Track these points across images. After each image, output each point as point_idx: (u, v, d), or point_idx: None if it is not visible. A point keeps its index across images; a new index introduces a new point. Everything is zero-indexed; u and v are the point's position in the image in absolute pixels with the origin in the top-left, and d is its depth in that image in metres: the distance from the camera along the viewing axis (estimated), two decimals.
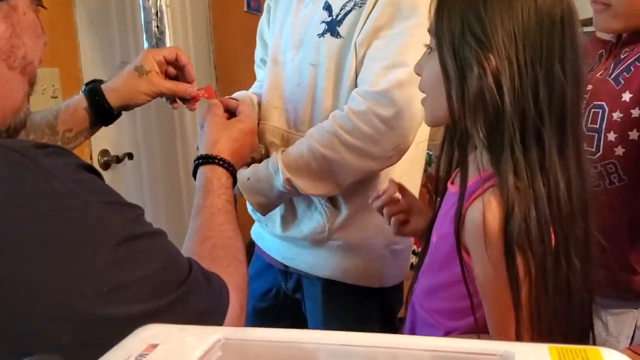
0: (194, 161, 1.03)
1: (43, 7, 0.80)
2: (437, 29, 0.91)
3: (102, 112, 1.12)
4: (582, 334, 0.94)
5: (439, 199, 1.06)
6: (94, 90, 1.12)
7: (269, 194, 1.33)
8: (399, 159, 1.30)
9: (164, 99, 1.20)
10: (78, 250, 0.62)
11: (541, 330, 0.86)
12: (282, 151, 1.32)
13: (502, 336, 0.87)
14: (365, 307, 1.44)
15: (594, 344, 1.00)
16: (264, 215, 1.39)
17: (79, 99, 1.12)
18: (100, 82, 1.16)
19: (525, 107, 0.84)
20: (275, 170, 1.29)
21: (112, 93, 1.12)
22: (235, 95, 1.47)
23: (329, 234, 1.38)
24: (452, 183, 1.03)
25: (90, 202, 0.65)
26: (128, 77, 1.13)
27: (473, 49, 0.85)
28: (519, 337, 0.85)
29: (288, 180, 1.28)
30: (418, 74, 1.00)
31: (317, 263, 1.42)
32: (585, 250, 0.90)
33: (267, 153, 1.38)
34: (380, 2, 1.25)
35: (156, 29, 2.66)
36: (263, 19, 1.56)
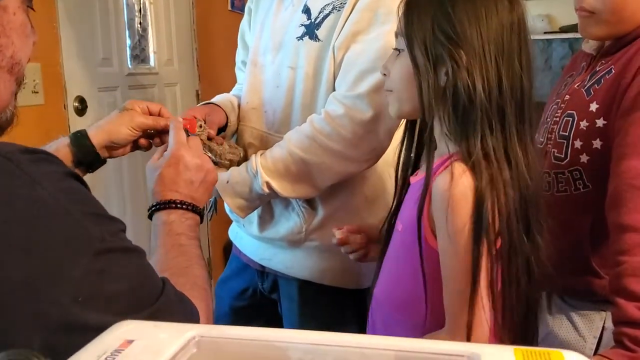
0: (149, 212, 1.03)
1: (32, 9, 0.81)
2: (408, 30, 0.99)
3: (84, 149, 1.12)
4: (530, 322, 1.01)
5: (398, 191, 1.13)
6: (77, 131, 1.14)
7: (247, 197, 1.33)
8: (377, 161, 1.32)
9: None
10: (56, 258, 0.62)
11: (500, 314, 0.93)
12: (261, 154, 1.33)
13: (456, 319, 0.93)
14: (341, 307, 1.45)
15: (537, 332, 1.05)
16: (243, 217, 1.40)
17: (62, 139, 1.13)
18: None
19: (492, 97, 0.94)
20: (253, 173, 1.30)
21: (95, 130, 1.13)
22: (216, 98, 1.48)
23: (306, 234, 1.39)
24: (415, 176, 1.08)
25: (71, 211, 0.65)
26: (111, 115, 1.16)
27: (445, 46, 0.94)
28: (473, 317, 0.91)
29: (267, 184, 1.29)
30: (384, 74, 1.07)
31: (294, 264, 1.43)
32: (542, 229, 0.98)
33: (246, 156, 1.39)
34: (358, 7, 1.26)
35: (139, 25, 2.66)
36: (244, 21, 1.57)
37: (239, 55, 1.60)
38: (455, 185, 0.91)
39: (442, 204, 0.93)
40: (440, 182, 0.94)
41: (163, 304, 0.71)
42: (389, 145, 1.31)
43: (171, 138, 1.09)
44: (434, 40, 0.95)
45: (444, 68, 0.95)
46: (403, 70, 1.01)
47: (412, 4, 1.00)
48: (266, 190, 1.30)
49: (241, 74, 1.58)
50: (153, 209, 1.00)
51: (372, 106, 1.23)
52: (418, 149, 1.11)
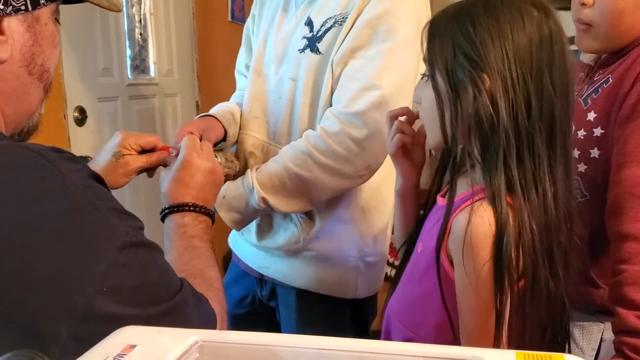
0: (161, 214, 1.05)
1: (58, 22, 0.84)
2: (430, 56, 0.94)
3: None
4: (557, 346, 0.96)
5: (424, 210, 1.09)
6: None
7: (243, 212, 1.34)
8: (370, 177, 1.33)
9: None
10: (84, 250, 0.65)
11: (517, 344, 0.88)
12: (256, 169, 1.34)
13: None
14: (338, 317, 1.46)
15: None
16: (238, 230, 1.40)
17: None
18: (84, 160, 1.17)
19: (520, 121, 0.87)
20: (249, 189, 1.31)
21: None
22: (215, 109, 1.47)
23: (304, 244, 1.39)
24: (443, 196, 1.04)
25: (98, 206, 0.68)
26: (109, 166, 1.15)
27: (466, 70, 0.88)
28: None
29: (263, 199, 1.29)
30: (418, 102, 1.02)
31: (292, 273, 1.43)
32: (566, 257, 0.93)
33: (245, 166, 1.40)
34: (358, 23, 1.26)
35: (139, 36, 2.67)
36: (249, 25, 1.56)
37: (242, 58, 1.59)
38: (475, 227, 0.86)
39: (459, 243, 0.88)
40: (460, 219, 0.89)
41: (182, 299, 0.73)
42: (383, 161, 1.31)
43: (183, 143, 1.12)
44: (455, 64, 0.89)
45: (466, 94, 0.89)
46: (431, 98, 0.95)
47: (434, 28, 0.94)
48: (262, 205, 1.30)
49: (242, 78, 1.58)
50: (166, 211, 1.03)
51: (368, 124, 1.23)
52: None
